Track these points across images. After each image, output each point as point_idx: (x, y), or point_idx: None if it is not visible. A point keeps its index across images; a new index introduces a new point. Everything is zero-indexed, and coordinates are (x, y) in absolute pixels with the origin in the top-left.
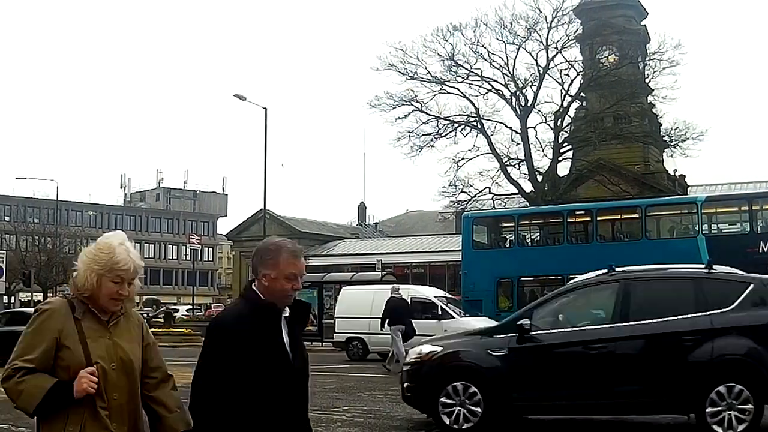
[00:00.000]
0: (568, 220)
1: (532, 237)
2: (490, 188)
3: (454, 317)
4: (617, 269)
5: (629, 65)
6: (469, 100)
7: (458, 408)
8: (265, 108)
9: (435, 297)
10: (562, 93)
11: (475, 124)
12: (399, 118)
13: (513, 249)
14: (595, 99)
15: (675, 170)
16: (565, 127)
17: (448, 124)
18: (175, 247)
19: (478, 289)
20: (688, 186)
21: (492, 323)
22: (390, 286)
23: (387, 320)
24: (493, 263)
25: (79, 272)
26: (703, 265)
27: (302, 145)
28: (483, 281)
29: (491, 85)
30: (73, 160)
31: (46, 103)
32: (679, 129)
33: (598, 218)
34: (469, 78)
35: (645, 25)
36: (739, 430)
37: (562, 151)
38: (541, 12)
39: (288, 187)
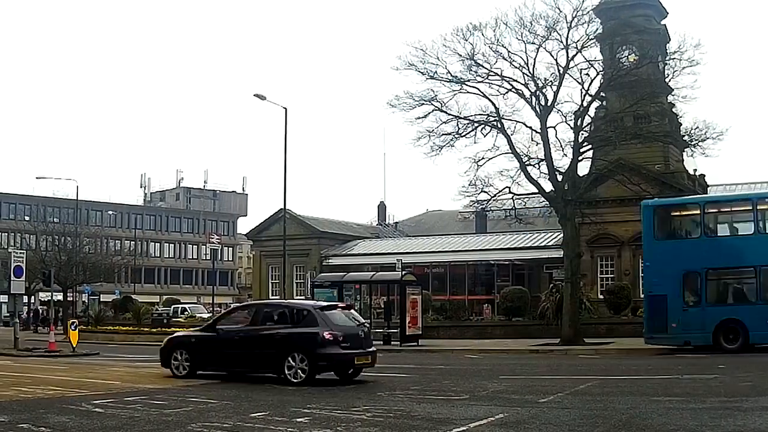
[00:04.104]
0: (759, 208)
1: (720, 226)
2: (509, 188)
3: None
4: None
5: (649, 65)
6: (489, 100)
7: None
8: (285, 108)
9: None
10: (581, 92)
11: (495, 123)
12: (419, 117)
13: (700, 239)
14: (615, 99)
15: (695, 170)
16: (585, 126)
17: (468, 123)
18: (195, 246)
19: (662, 284)
20: (708, 186)
21: None
22: None
23: None
24: (677, 255)
25: None
26: None
27: (322, 144)
28: (667, 275)
29: (511, 85)
30: (93, 159)
31: (66, 102)
32: (699, 128)
33: None
34: (489, 78)
35: (665, 25)
36: None
37: (582, 150)
38: (561, 11)
39: (308, 186)
